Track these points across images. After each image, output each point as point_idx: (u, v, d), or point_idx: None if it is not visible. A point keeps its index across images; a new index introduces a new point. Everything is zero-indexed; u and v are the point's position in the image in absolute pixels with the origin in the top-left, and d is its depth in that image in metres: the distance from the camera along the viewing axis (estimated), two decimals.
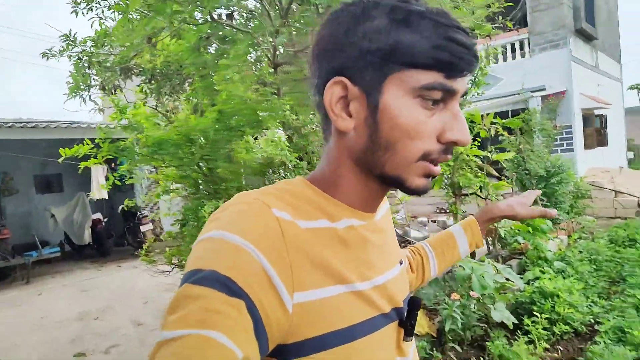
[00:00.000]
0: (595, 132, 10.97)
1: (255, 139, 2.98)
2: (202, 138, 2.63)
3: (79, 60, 4.25)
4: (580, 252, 5.23)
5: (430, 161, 0.58)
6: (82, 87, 4.36)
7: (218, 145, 2.58)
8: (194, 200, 2.44)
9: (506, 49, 10.41)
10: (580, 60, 10.30)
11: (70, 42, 4.08)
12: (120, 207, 8.15)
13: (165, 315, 0.45)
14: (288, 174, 2.59)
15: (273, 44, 2.85)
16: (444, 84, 0.55)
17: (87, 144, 2.84)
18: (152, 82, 4.88)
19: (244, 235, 0.49)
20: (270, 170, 2.52)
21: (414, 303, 0.68)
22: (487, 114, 4.95)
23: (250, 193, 0.58)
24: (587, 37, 10.81)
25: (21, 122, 7.45)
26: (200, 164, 2.71)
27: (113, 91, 4.49)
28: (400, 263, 0.73)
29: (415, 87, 0.54)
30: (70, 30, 4.13)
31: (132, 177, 3.18)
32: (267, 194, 0.57)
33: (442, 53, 0.53)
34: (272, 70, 3.03)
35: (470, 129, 4.92)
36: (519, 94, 8.58)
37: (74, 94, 4.38)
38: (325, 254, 0.56)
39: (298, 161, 2.56)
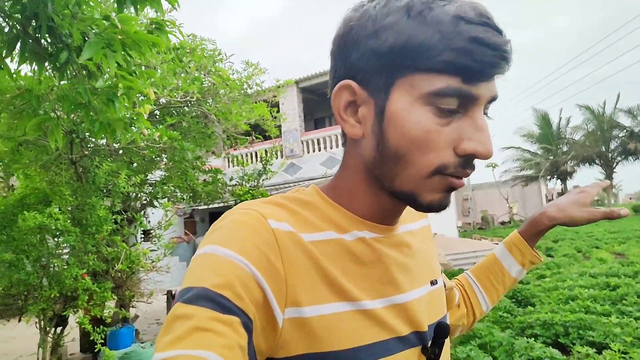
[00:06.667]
0: None
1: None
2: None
3: None
4: None
5: (449, 175, 0.50)
6: None
7: (14, 217, 3.91)
8: None
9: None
10: None
11: None
12: None
13: (159, 336, 0.43)
14: (63, 236, 3.96)
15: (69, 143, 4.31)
16: (460, 89, 0.47)
17: None
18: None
19: (236, 248, 0.48)
20: (48, 234, 3.90)
21: (440, 329, 0.60)
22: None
23: (250, 203, 0.56)
24: None
25: None
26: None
27: None
28: (433, 283, 0.65)
29: (426, 92, 0.48)
30: None
31: None
32: (268, 204, 0.55)
33: (461, 56, 0.46)
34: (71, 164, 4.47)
35: None
36: (323, 177, 10.82)
37: None
38: (329, 268, 0.52)
39: (72, 227, 3.93)
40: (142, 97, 2.73)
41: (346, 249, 0.55)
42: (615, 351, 3.57)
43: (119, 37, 2.13)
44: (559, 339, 4.48)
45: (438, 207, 0.53)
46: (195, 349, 0.40)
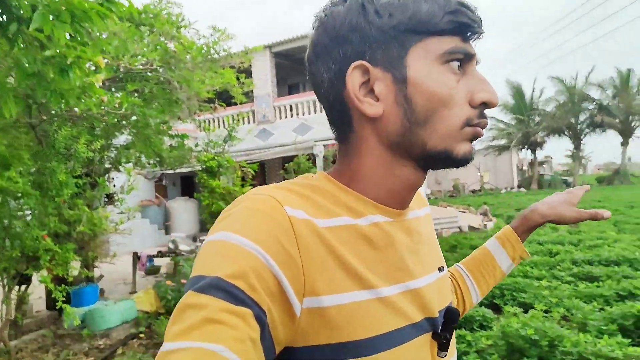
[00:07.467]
0: None
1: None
2: None
3: None
4: None
5: (474, 126, 0.55)
6: None
7: None
8: None
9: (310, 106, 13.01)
10: None
11: None
12: None
13: (169, 325, 0.42)
14: (23, 199, 4.08)
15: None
16: (463, 47, 0.54)
17: None
18: None
19: (251, 236, 0.47)
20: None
21: (450, 314, 0.62)
22: (244, 160, 6.86)
23: (263, 188, 0.55)
24: None
25: None
26: None
27: None
28: (441, 270, 0.67)
29: (441, 53, 0.54)
30: None
31: None
32: (282, 190, 0.55)
33: (459, 17, 0.53)
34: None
35: (224, 169, 6.78)
36: (294, 144, 11.01)
37: None
38: (345, 255, 0.52)
39: (31, 190, 4.04)
40: (93, 67, 2.82)
41: (361, 234, 0.55)
42: (538, 310, 3.97)
43: (63, 7, 2.22)
44: (494, 300, 4.90)
45: (470, 157, 0.57)
46: (206, 342, 0.39)
